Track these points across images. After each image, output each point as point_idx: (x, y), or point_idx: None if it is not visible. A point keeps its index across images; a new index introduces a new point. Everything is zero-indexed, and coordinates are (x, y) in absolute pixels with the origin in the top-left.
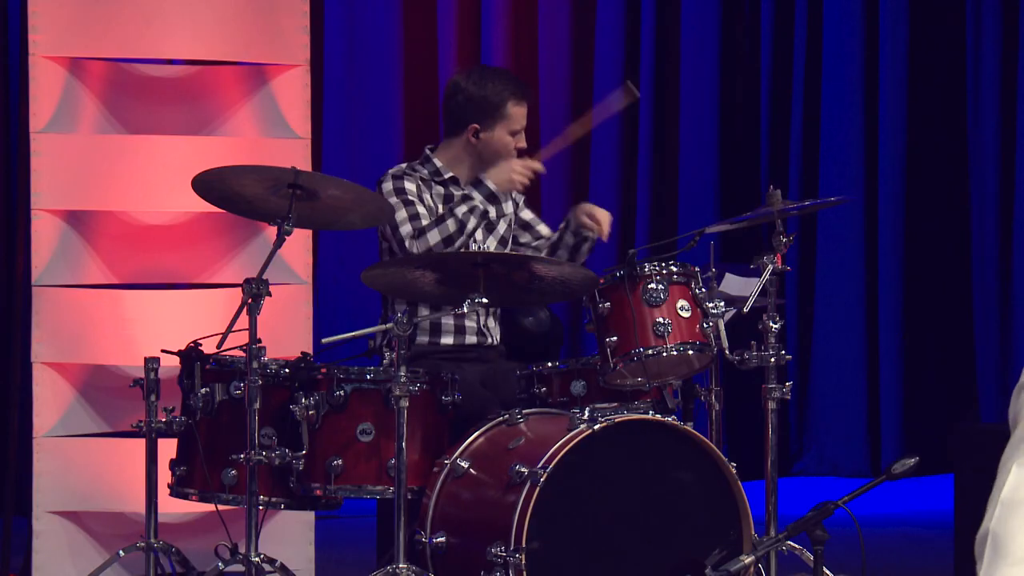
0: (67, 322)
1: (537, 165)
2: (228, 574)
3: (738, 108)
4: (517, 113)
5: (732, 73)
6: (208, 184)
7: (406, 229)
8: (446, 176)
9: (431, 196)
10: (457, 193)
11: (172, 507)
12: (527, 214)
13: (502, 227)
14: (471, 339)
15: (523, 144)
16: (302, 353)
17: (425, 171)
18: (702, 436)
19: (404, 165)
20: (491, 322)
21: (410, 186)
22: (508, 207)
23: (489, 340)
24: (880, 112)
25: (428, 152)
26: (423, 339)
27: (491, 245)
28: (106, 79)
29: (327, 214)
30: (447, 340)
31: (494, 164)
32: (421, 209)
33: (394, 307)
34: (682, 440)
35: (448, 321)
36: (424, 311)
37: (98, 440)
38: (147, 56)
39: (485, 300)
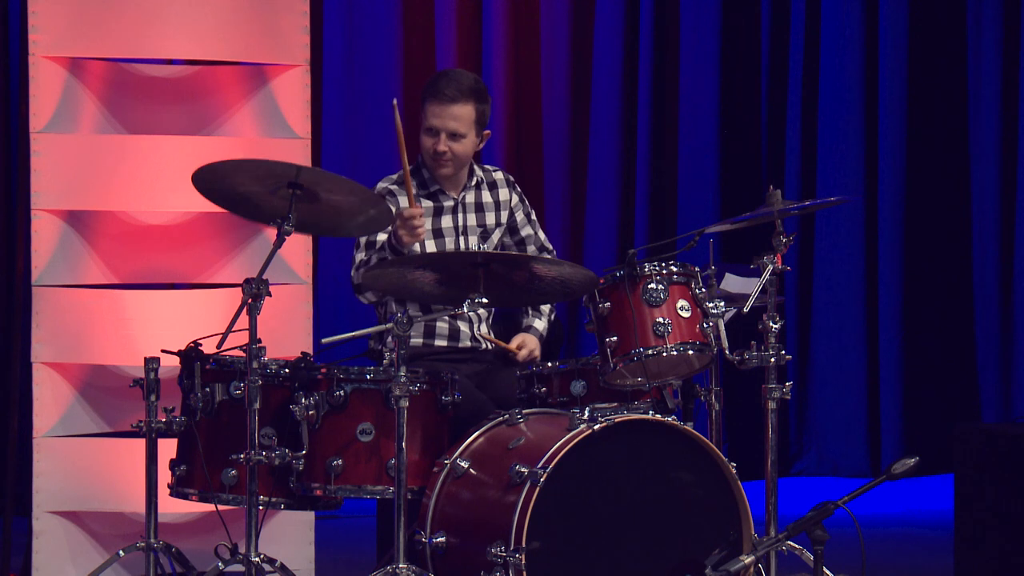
0: (67, 322)
1: (406, 210)
2: (228, 574)
3: (738, 108)
4: (426, 109)
5: (732, 73)
6: (209, 180)
7: (357, 260)
8: (432, 189)
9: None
10: (446, 204)
11: (172, 507)
12: (526, 230)
13: (496, 236)
14: (464, 343)
15: (441, 147)
16: (302, 353)
17: (415, 182)
18: (702, 436)
19: (397, 175)
20: (483, 329)
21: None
22: (503, 216)
23: (484, 346)
24: (880, 111)
25: (420, 160)
26: (416, 340)
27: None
28: (106, 79)
29: (327, 217)
30: (440, 343)
31: (430, 167)
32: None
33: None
34: (682, 440)
35: (442, 325)
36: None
37: (98, 440)
38: (147, 56)
39: (485, 300)
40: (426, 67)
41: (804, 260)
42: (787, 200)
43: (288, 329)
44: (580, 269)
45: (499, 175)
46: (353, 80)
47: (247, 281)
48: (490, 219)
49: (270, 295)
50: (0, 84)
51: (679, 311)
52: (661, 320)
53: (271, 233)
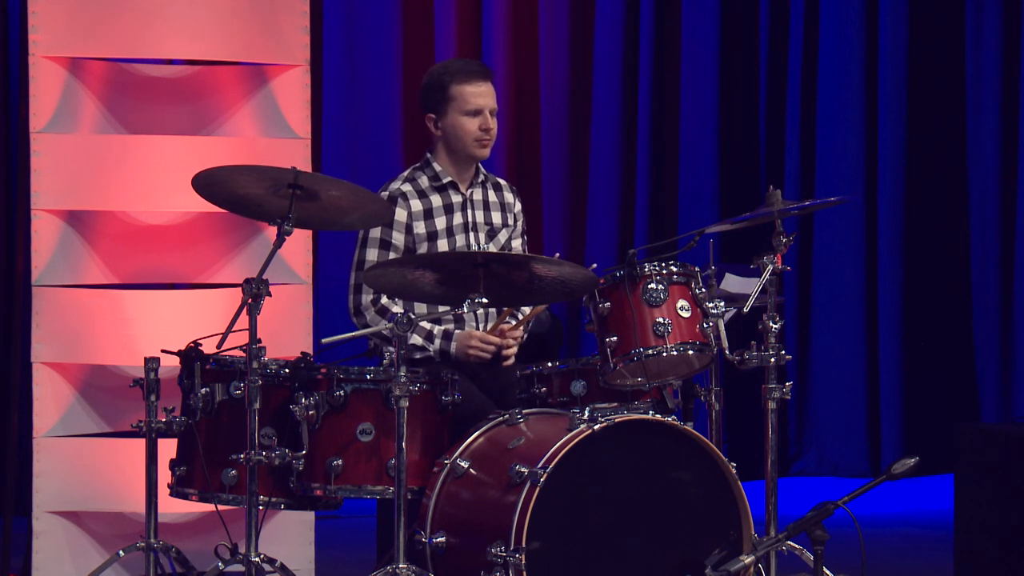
0: (67, 322)
1: (497, 340)
2: (228, 574)
3: (738, 108)
4: (463, 92)
5: (732, 73)
6: (208, 184)
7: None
8: (444, 181)
9: (431, 211)
10: (455, 200)
11: (172, 507)
12: (517, 242)
13: (503, 236)
14: None
15: (489, 125)
16: (302, 353)
17: (426, 178)
18: (702, 436)
19: (407, 173)
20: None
21: (400, 216)
22: (510, 218)
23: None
24: (879, 111)
25: (428, 156)
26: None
27: (491, 249)
28: (106, 79)
29: (327, 214)
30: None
31: (464, 151)
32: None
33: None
34: (682, 440)
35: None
36: (422, 311)
37: (98, 440)
38: (147, 56)
39: (485, 300)
40: (426, 67)
41: (804, 260)
42: (787, 200)
43: (288, 329)
44: (580, 269)
45: (502, 181)
46: (353, 80)
47: (247, 281)
48: (496, 218)
49: (270, 295)
50: (0, 84)
51: (679, 311)
52: (661, 320)
53: (271, 233)
